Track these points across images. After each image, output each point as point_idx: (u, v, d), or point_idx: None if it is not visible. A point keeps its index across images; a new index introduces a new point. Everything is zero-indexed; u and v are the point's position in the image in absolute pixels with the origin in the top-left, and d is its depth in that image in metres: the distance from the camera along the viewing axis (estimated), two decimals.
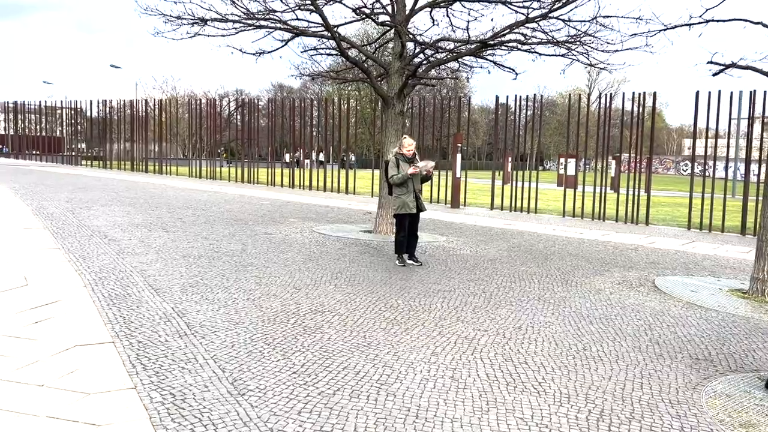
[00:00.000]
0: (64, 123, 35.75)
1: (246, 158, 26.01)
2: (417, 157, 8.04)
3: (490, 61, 11.49)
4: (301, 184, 22.92)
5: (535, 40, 10.24)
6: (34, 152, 35.86)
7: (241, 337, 4.57)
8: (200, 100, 30.40)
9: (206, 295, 5.72)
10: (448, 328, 5.11)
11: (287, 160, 43.60)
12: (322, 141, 27.76)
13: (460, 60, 11.66)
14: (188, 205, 13.48)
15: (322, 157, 29.63)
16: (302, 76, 14.26)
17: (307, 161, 28.04)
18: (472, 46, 10.28)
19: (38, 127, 36.84)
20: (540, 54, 10.52)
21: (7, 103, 36.42)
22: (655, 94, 15.07)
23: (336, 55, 11.57)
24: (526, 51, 10.48)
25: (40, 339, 4.30)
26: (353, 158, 28.95)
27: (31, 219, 9.94)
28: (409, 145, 7.90)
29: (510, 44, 10.35)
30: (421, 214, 8.16)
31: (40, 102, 34.83)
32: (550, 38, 10.20)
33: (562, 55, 10.47)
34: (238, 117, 31.32)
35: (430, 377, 3.97)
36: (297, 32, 10.27)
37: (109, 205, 12.45)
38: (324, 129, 25.51)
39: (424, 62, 10.76)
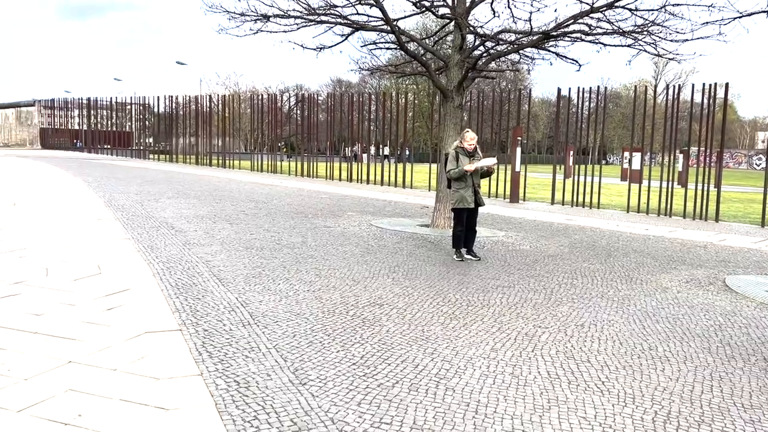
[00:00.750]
0: (133, 118, 37.24)
1: (305, 153, 26.42)
2: (478, 151, 7.96)
3: (552, 52, 11.23)
4: (359, 178, 23.10)
5: (599, 30, 9.94)
6: (105, 146, 37.52)
7: (302, 328, 4.65)
8: (261, 95, 31.02)
9: (268, 286, 5.85)
10: (507, 324, 5.05)
11: (346, 154, 44.02)
12: (379, 135, 27.84)
13: (521, 52, 11.46)
14: (250, 198, 13.80)
15: (386, 151, 29.78)
16: (361, 70, 14.31)
17: (365, 155, 28.22)
18: (534, 38, 10.07)
19: (109, 122, 38.52)
20: (605, 45, 10.21)
21: (81, 99, 38.27)
22: (727, 85, 14.39)
23: (395, 48, 11.59)
24: (590, 42, 10.19)
25: (113, 325, 4.50)
26: (407, 152, 28.94)
27: (104, 210, 10.42)
28: (471, 139, 7.82)
29: (573, 35, 10.09)
30: (480, 209, 8.08)
31: (111, 98, 36.44)
32: (615, 28, 9.88)
33: (628, 46, 10.13)
34: (298, 112, 31.81)
35: (489, 373, 3.94)
36: (357, 27, 10.33)
37: (176, 198, 12.90)
38: (381, 123, 25.61)
39: (484, 54, 10.63)
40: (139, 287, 5.58)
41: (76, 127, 40.08)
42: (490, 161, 7.87)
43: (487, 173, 8.07)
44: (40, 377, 3.52)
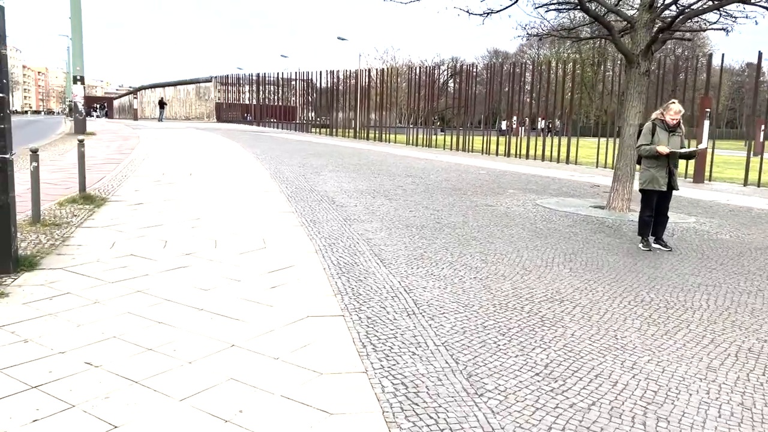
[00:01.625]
0: (297, 93, 38.88)
1: (460, 126, 25.74)
2: (682, 126, 6.82)
3: (764, 7, 9.50)
4: (517, 152, 22.02)
5: None
6: (271, 120, 39.64)
7: (471, 323, 4.15)
8: (417, 68, 30.73)
9: (431, 270, 5.42)
10: (721, 334, 4.15)
11: (502, 127, 42.58)
12: (535, 107, 26.29)
13: (721, 9, 9.86)
14: (408, 173, 13.53)
15: (540, 124, 28.31)
16: (529, 37, 13.28)
17: (521, 128, 26.94)
18: None
19: (275, 97, 40.59)
20: None
21: (251, 75, 40.67)
22: None
23: (572, 9, 10.51)
24: None
25: (276, 305, 4.32)
26: (558, 124, 27.15)
27: (270, 182, 10.67)
28: (676, 112, 6.66)
29: None
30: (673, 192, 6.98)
31: (277, 74, 38.26)
32: None
33: None
34: (452, 85, 31.06)
35: (711, 401, 3.16)
36: None
37: (336, 171, 12.98)
38: (538, 95, 24.11)
39: (679, 13, 9.23)
40: (301, 264, 5.42)
41: (246, 101, 42.77)
42: (701, 146, 6.71)
43: (689, 155, 6.94)
44: (204, 361, 3.36)
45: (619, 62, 19.38)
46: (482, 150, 23.35)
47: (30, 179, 6.49)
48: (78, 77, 21.41)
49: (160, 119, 43.24)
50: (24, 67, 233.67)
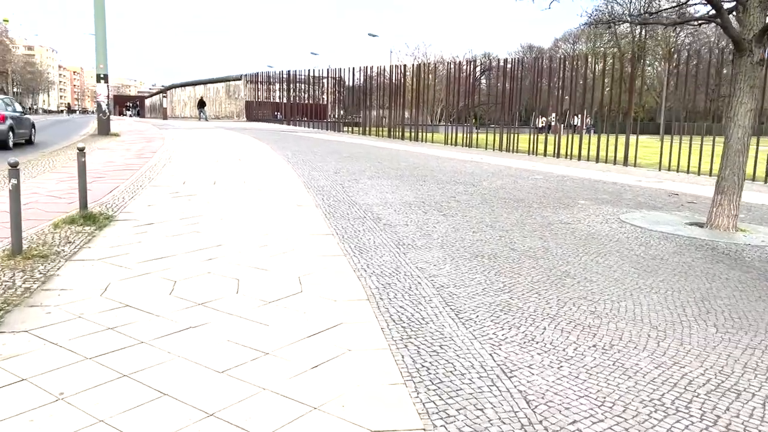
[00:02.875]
0: (327, 91, 37.63)
1: (495, 124, 24.06)
2: None
3: None
4: (568, 153, 20.30)
5: None
6: (302, 118, 38.48)
7: None
8: (455, 63, 29.14)
9: (530, 333, 3.95)
10: None
11: (539, 125, 40.70)
12: (570, 103, 24.47)
13: None
14: (455, 179, 12.04)
15: (575, 121, 26.59)
16: (596, 24, 11.67)
17: (561, 126, 25.25)
18: None
19: (306, 95, 39.39)
20: None
21: (281, 72, 39.51)
22: None
23: None
24: None
25: (323, 407, 2.90)
26: (589, 121, 25.40)
27: (303, 194, 9.29)
28: None
29: None
30: None
31: (307, 71, 37.03)
32: None
33: None
34: (487, 80, 29.46)
35: None
36: None
37: (376, 178, 11.56)
38: (574, 90, 22.36)
39: None
40: (351, 322, 4.00)
41: (277, 100, 41.68)
42: None
43: None
44: None
45: (659, 57, 17.83)
46: (528, 150, 21.69)
47: (9, 200, 5.19)
48: (102, 75, 20.42)
49: (204, 118, 42.60)
50: (60, 67, 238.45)
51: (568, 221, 7.97)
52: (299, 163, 13.41)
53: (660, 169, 17.01)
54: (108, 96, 20.64)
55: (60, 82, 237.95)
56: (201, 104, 44.71)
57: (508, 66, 24.35)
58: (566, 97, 24.01)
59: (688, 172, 16.15)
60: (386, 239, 6.44)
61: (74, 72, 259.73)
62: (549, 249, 6.30)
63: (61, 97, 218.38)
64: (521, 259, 5.82)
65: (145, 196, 8.64)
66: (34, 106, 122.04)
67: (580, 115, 26.47)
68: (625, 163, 18.23)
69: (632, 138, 19.02)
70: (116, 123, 38.81)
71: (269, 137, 22.07)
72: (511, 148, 22.57)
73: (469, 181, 11.81)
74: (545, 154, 21.01)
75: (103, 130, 20.37)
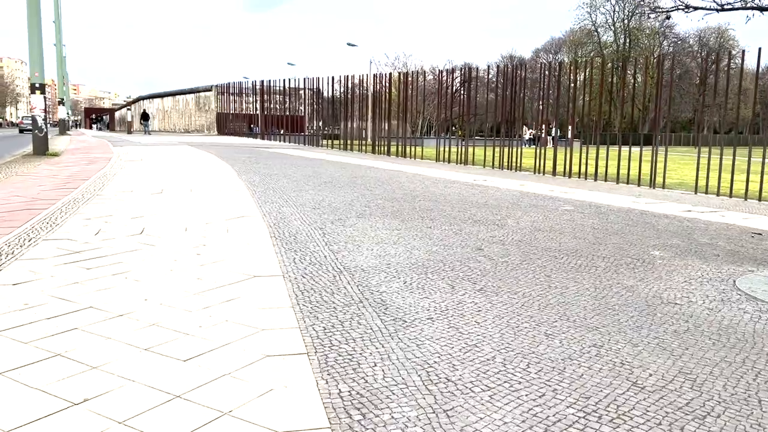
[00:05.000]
0: (305, 102, 34.83)
1: (491, 138, 21.45)
2: None
3: None
4: (581, 171, 17.66)
5: None
6: (279, 131, 35.60)
7: None
8: (444, 71, 26.51)
9: None
10: None
11: (526, 137, 38.30)
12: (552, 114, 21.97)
13: None
14: (470, 215, 9.26)
15: (558, 132, 24.30)
16: (655, 11, 9.04)
17: (549, 139, 22.84)
18: None
19: (282, 106, 36.54)
20: None
21: (254, 83, 36.64)
22: None
23: None
24: None
25: None
26: (555, 132, 23.20)
27: (266, 248, 6.41)
28: None
29: None
30: None
31: (283, 81, 34.21)
32: None
33: None
34: (471, 90, 26.88)
35: None
36: None
37: (368, 216, 8.72)
38: (574, 100, 19.92)
39: None
40: None
41: (251, 111, 38.76)
42: None
43: None
44: None
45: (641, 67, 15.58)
46: (535, 169, 19.05)
47: None
48: (37, 85, 17.33)
49: (147, 132, 39.47)
50: (29, 79, 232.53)
51: (669, 298, 5.20)
52: (267, 194, 10.54)
53: (696, 192, 14.47)
54: (45, 109, 17.55)
55: (29, 95, 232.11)
56: (144, 117, 41.71)
57: (497, 74, 21.75)
58: (557, 107, 21.47)
59: (720, 193, 13.60)
60: (402, 353, 3.60)
61: (46, 85, 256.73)
62: (696, 380, 3.51)
63: (31, 110, 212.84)
64: (641, 397, 3.01)
65: (28, 258, 5.69)
66: None
67: (570, 127, 24.04)
68: (653, 184, 15.64)
69: (614, 150, 16.48)
70: (73, 138, 35.52)
71: (237, 156, 19.17)
72: (511, 165, 19.94)
73: (489, 219, 9.03)
74: (554, 174, 18.41)
75: (40, 149, 17.30)
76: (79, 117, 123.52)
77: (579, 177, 17.55)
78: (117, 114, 76.84)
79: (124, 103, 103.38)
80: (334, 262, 5.94)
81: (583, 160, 17.38)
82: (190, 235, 6.95)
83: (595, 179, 16.94)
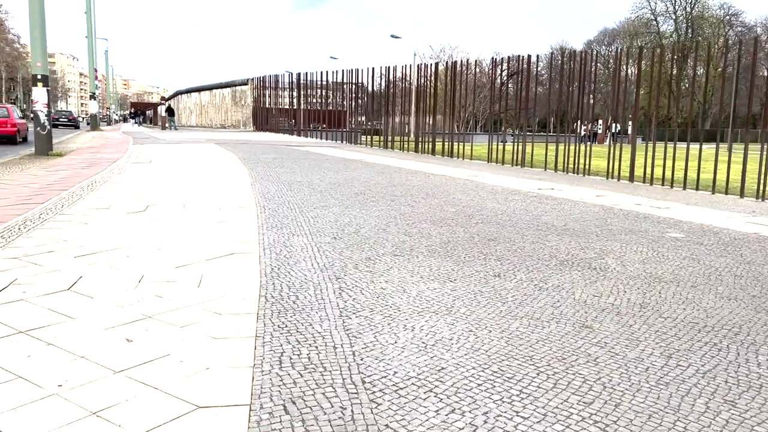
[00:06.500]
0: (347, 96, 32.53)
1: (543, 134, 18.60)
2: None
3: None
4: (664, 176, 14.70)
5: None
6: (319, 126, 33.52)
7: None
8: (512, 59, 23.69)
9: None
10: None
11: (582, 133, 35.09)
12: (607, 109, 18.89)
13: None
14: (555, 253, 6.62)
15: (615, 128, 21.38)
16: None
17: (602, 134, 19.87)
18: None
19: (322, 101, 34.38)
20: None
21: (291, 76, 34.51)
22: None
23: None
24: None
25: None
26: (615, 128, 20.43)
27: (246, 328, 3.97)
28: None
29: None
30: None
31: (320, 74, 31.95)
32: None
33: None
34: (514, 85, 24.02)
35: None
36: None
37: (408, 254, 6.20)
38: (617, 93, 16.90)
39: None
40: None
41: (287, 106, 36.71)
42: None
43: None
44: None
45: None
46: (608, 173, 16.18)
47: None
48: (39, 77, 15.38)
49: (173, 128, 37.96)
50: (80, 74, 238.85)
51: None
52: (279, 213, 8.15)
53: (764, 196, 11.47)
54: (47, 104, 15.62)
55: (81, 90, 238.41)
56: (170, 112, 40.18)
57: (566, 60, 18.89)
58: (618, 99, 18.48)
59: None
60: None
61: (96, 80, 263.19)
62: None
63: (81, 104, 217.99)
64: None
65: None
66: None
67: (632, 122, 21.08)
68: (761, 196, 12.64)
69: (680, 148, 13.44)
70: (100, 135, 34.16)
71: (261, 157, 16.94)
72: (577, 168, 17.11)
73: (579, 257, 6.40)
74: (631, 179, 15.53)
75: (41, 148, 15.40)
76: (127, 112, 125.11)
77: (663, 184, 14.64)
78: (160, 109, 76.38)
79: (167, 97, 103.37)
80: (349, 368, 3.45)
81: (659, 162, 14.52)
82: (137, 297, 4.57)
83: (684, 187, 14.01)
